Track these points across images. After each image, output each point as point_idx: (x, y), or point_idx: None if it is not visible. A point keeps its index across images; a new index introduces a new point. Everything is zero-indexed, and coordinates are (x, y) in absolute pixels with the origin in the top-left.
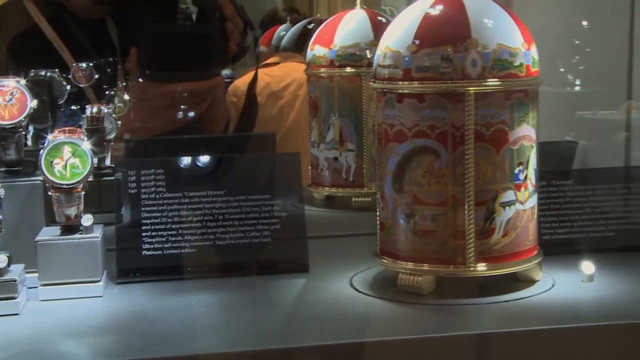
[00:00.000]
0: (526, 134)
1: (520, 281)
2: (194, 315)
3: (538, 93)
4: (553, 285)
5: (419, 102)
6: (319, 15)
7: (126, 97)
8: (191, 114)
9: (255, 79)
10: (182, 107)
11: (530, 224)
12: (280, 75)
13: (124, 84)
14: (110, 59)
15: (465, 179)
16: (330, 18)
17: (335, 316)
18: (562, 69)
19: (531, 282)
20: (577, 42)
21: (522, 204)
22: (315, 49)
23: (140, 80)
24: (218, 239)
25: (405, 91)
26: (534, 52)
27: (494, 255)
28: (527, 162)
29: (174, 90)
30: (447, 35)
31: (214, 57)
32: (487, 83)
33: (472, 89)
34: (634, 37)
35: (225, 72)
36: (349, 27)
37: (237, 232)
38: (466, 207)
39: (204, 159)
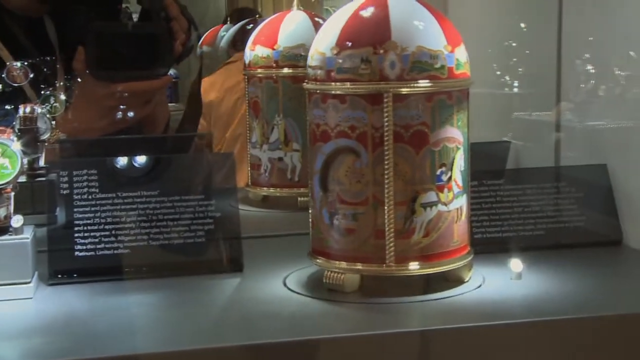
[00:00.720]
0: (450, 135)
1: (449, 281)
2: (126, 316)
3: (467, 95)
4: (482, 284)
5: (340, 103)
6: (258, 16)
7: (62, 97)
8: (140, 113)
9: (199, 79)
10: (131, 107)
11: (455, 225)
12: (236, 71)
13: (61, 83)
14: (48, 58)
15: (385, 179)
16: (269, 19)
17: (265, 315)
18: (499, 72)
19: (460, 282)
20: (514, 44)
21: (446, 205)
22: (257, 50)
23: (88, 80)
24: (152, 240)
25: (329, 92)
26: (459, 54)
27: (415, 255)
28: (452, 163)
29: (123, 90)
30: (368, 37)
31: (162, 57)
32: (404, 85)
33: (390, 91)
34: (562, 38)
35: (171, 71)
36: (292, 28)
37: (171, 233)
38: (386, 207)
39: (140, 159)
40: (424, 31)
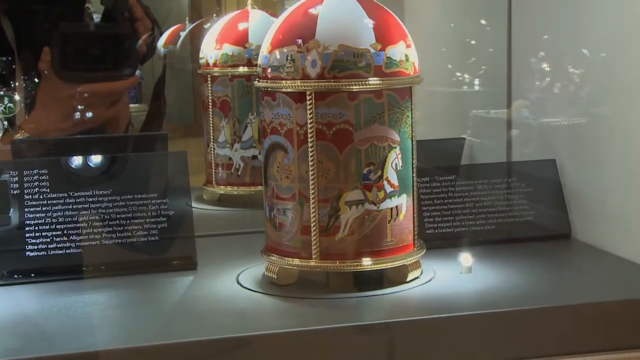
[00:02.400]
0: (380, 134)
1: (391, 280)
2: (77, 315)
3: (409, 93)
4: (433, 278)
5: (272, 100)
6: (215, 15)
7: (17, 97)
8: (106, 114)
9: (163, 79)
10: (97, 107)
11: (388, 225)
12: None
13: (17, 83)
14: (4, 58)
15: (310, 177)
16: (227, 18)
17: (215, 312)
18: (459, 70)
19: (401, 282)
20: (472, 42)
21: (375, 204)
22: (225, 48)
23: (53, 80)
24: (105, 239)
25: (264, 89)
26: (394, 53)
27: (340, 253)
28: (383, 163)
29: (91, 91)
30: (295, 36)
31: (128, 57)
32: (324, 83)
33: (310, 89)
34: (512, 37)
35: (137, 72)
36: (259, 26)
37: (124, 232)
38: (311, 203)
39: (95, 159)
40: (350, 30)
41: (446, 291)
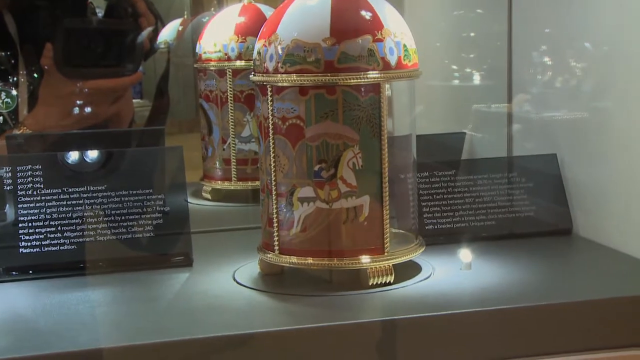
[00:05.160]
0: (332, 131)
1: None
2: (71, 312)
3: (374, 89)
4: (432, 274)
5: (253, 93)
6: (213, 10)
7: (14, 92)
8: (109, 111)
9: (167, 74)
10: (100, 104)
11: (343, 226)
12: None
13: (15, 79)
14: (3, 53)
15: (272, 170)
16: (237, 10)
17: (210, 309)
18: (461, 65)
19: (364, 286)
20: (472, 34)
21: (327, 203)
22: (250, 41)
23: (55, 77)
24: (99, 235)
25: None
26: (349, 48)
27: (295, 249)
28: (337, 161)
29: (93, 87)
30: (266, 30)
31: (131, 54)
32: (277, 77)
33: (267, 83)
34: (512, 31)
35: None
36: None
37: (118, 228)
38: (273, 196)
39: (92, 154)
40: (307, 24)
41: (446, 288)
